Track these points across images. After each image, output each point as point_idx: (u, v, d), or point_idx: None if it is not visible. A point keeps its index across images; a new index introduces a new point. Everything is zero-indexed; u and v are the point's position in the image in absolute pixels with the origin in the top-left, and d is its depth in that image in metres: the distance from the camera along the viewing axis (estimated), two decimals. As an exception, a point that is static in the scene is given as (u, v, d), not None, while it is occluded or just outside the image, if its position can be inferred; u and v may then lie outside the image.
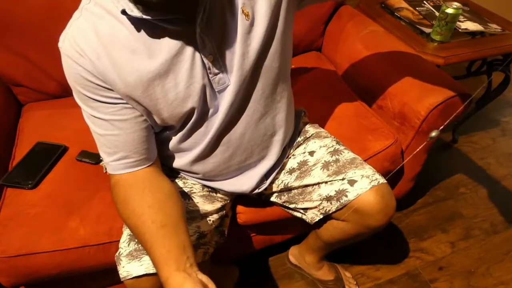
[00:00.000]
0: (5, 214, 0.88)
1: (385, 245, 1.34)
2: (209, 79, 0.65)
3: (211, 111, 0.70)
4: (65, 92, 1.20)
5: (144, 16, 0.55)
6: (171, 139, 0.75)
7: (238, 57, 0.65)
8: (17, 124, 1.15)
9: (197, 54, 0.62)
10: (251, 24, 0.64)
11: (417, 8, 1.50)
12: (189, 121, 0.70)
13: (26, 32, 1.08)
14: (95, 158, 0.99)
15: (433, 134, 0.65)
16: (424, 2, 1.55)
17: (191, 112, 0.68)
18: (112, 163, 0.67)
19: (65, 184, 0.95)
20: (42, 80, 1.17)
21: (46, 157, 1.00)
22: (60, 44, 0.61)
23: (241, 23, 0.63)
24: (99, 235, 0.86)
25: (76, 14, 0.61)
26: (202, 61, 0.63)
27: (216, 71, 0.64)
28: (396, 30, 1.37)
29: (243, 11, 0.63)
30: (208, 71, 0.64)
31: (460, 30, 1.37)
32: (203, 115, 0.70)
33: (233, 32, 0.63)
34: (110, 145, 0.66)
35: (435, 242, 1.37)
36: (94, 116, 0.64)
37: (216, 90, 0.67)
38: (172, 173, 0.85)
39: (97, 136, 0.67)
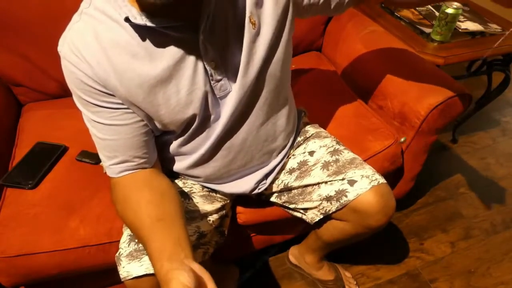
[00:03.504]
0: (5, 214, 0.88)
1: (385, 245, 1.34)
2: (211, 86, 0.65)
3: (212, 117, 0.70)
4: (65, 92, 1.20)
5: (148, 24, 0.55)
6: (171, 142, 0.75)
7: (243, 65, 0.65)
8: (17, 124, 1.15)
9: (200, 61, 0.62)
10: (257, 33, 0.65)
11: (417, 8, 1.50)
12: (191, 127, 0.70)
13: (26, 32, 1.08)
14: (95, 158, 0.99)
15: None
16: (424, 2, 1.55)
17: (192, 118, 0.68)
18: (112, 166, 0.67)
19: (65, 184, 0.95)
20: (42, 80, 1.17)
21: (46, 157, 1.00)
22: (59, 48, 0.60)
23: (248, 31, 0.64)
24: (99, 235, 0.86)
25: (75, 18, 0.60)
26: (205, 68, 0.63)
27: (218, 77, 0.64)
28: (396, 30, 1.37)
29: (250, 20, 0.63)
30: (210, 78, 0.64)
31: (460, 30, 1.37)
32: (205, 121, 0.70)
33: (237, 39, 0.64)
34: (110, 149, 0.66)
35: (435, 242, 1.37)
36: (95, 121, 0.64)
37: (217, 96, 0.67)
38: (172, 174, 0.85)
39: (97, 140, 0.67)
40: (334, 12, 0.82)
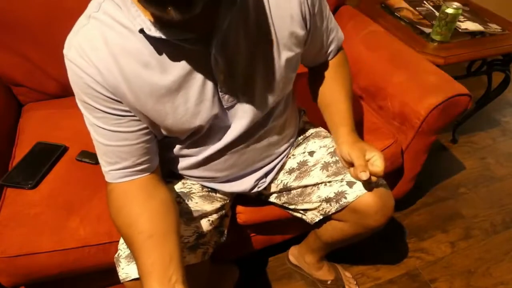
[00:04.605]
0: (5, 214, 0.88)
1: (385, 245, 1.34)
2: (219, 97, 0.64)
3: (219, 127, 0.70)
4: (65, 92, 1.20)
5: (163, 37, 0.53)
6: (174, 146, 0.74)
7: (262, 80, 0.66)
8: (17, 124, 1.15)
9: (209, 72, 0.61)
10: (275, 51, 0.65)
11: (417, 8, 1.50)
12: (196, 135, 0.70)
13: (27, 32, 1.08)
14: (95, 158, 0.99)
15: None
16: (424, 2, 1.55)
17: (199, 128, 0.67)
18: (112, 172, 0.65)
19: (65, 184, 0.95)
20: (42, 80, 1.17)
21: (46, 157, 1.00)
22: (65, 51, 0.58)
23: (265, 48, 0.64)
24: (99, 235, 0.86)
25: (82, 21, 0.58)
26: (214, 79, 0.62)
27: (227, 89, 0.64)
28: (396, 30, 1.37)
29: (267, 36, 0.63)
30: (219, 90, 0.63)
31: (460, 30, 1.37)
32: (211, 131, 0.70)
33: (248, 53, 0.63)
34: (112, 155, 0.64)
35: (435, 242, 1.37)
36: (98, 126, 0.62)
37: (225, 106, 0.66)
38: (171, 174, 0.85)
39: (98, 145, 0.64)
40: (313, 61, 0.85)
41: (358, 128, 1.11)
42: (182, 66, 0.59)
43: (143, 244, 0.60)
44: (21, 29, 1.08)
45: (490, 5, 1.56)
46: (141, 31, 0.53)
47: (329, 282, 1.16)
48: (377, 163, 0.71)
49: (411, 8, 1.50)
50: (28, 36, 1.09)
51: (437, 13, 1.37)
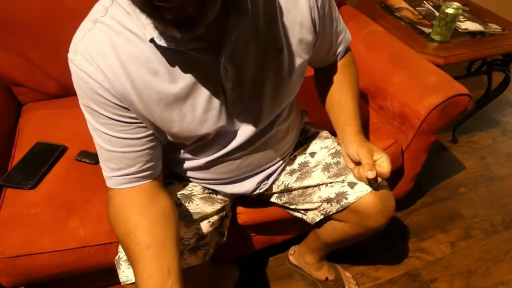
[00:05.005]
0: (5, 214, 0.88)
1: (385, 245, 1.34)
2: (226, 105, 0.64)
3: (225, 134, 0.69)
4: (65, 92, 1.20)
5: (173, 47, 0.52)
6: (178, 150, 0.74)
7: (270, 87, 0.65)
8: (17, 124, 1.15)
9: (218, 81, 0.60)
10: (284, 57, 0.64)
11: (417, 8, 1.50)
12: (202, 141, 0.70)
13: (27, 32, 1.08)
14: (95, 158, 0.99)
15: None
16: (424, 2, 1.55)
17: (205, 136, 0.67)
18: (115, 178, 0.64)
19: (65, 184, 0.95)
20: (42, 80, 1.17)
21: (45, 157, 1.00)
22: (71, 56, 0.56)
23: (273, 55, 0.63)
24: (99, 235, 0.86)
25: (88, 25, 0.56)
26: (222, 87, 0.61)
27: (235, 97, 0.63)
28: (396, 30, 1.37)
29: (276, 43, 0.63)
30: (227, 97, 0.63)
31: (460, 30, 1.37)
32: (217, 138, 0.70)
33: (257, 60, 0.62)
34: (116, 161, 0.63)
35: (435, 242, 1.37)
36: (103, 132, 0.60)
37: (232, 114, 0.66)
38: (173, 176, 0.85)
39: (102, 150, 0.63)
40: (321, 62, 0.84)
41: (362, 128, 1.11)
42: (191, 75, 0.58)
43: (141, 255, 0.59)
44: (21, 29, 1.08)
45: (490, 5, 1.56)
46: (152, 40, 0.52)
47: (329, 282, 1.16)
48: (384, 165, 0.72)
49: (411, 8, 1.50)
50: (28, 36, 1.09)
51: (437, 13, 1.37)
